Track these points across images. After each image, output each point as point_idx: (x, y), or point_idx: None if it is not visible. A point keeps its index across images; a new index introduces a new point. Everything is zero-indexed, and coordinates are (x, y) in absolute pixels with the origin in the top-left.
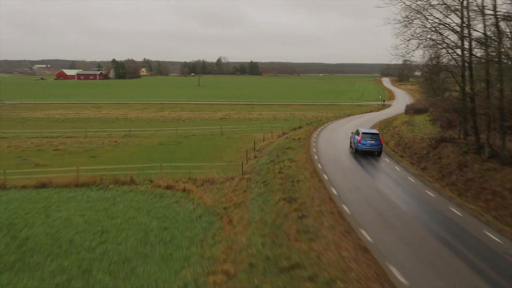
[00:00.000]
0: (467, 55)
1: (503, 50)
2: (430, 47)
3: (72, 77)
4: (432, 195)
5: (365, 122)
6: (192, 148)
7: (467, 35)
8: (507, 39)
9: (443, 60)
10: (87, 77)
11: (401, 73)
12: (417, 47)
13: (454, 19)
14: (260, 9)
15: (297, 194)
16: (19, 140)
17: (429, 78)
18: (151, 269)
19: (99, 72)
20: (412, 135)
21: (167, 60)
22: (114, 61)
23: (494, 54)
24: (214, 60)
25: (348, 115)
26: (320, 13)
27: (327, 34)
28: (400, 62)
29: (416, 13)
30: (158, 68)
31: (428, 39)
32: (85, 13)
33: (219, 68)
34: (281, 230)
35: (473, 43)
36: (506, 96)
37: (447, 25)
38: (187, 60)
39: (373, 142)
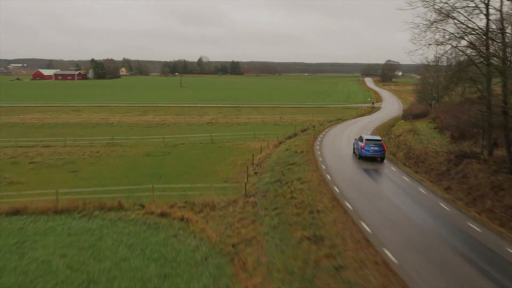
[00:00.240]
0: (496, 63)
1: None
2: (451, 54)
3: (49, 77)
4: (479, 230)
5: (362, 129)
6: (183, 160)
7: (500, 40)
8: None
9: (466, 67)
10: (65, 77)
11: (383, 73)
12: (442, 54)
13: (478, 23)
14: (240, 8)
15: (322, 231)
16: None
17: (446, 86)
18: None
19: (77, 72)
20: (423, 147)
21: (147, 59)
22: (93, 60)
23: None
24: (195, 59)
25: (341, 120)
26: (300, 12)
27: (308, 34)
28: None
29: (440, 15)
30: (138, 68)
31: (450, 44)
32: (62, 11)
33: (201, 68)
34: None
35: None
36: None
37: (474, 30)
38: (168, 60)
39: (376, 148)
